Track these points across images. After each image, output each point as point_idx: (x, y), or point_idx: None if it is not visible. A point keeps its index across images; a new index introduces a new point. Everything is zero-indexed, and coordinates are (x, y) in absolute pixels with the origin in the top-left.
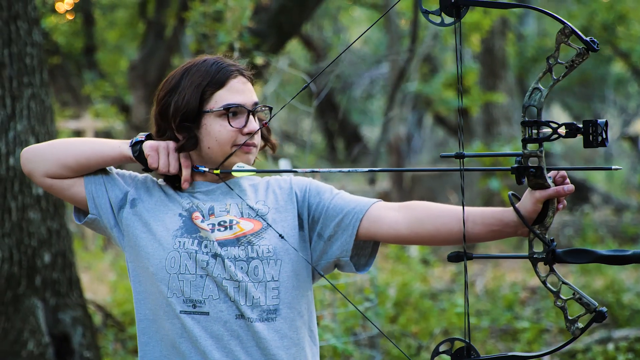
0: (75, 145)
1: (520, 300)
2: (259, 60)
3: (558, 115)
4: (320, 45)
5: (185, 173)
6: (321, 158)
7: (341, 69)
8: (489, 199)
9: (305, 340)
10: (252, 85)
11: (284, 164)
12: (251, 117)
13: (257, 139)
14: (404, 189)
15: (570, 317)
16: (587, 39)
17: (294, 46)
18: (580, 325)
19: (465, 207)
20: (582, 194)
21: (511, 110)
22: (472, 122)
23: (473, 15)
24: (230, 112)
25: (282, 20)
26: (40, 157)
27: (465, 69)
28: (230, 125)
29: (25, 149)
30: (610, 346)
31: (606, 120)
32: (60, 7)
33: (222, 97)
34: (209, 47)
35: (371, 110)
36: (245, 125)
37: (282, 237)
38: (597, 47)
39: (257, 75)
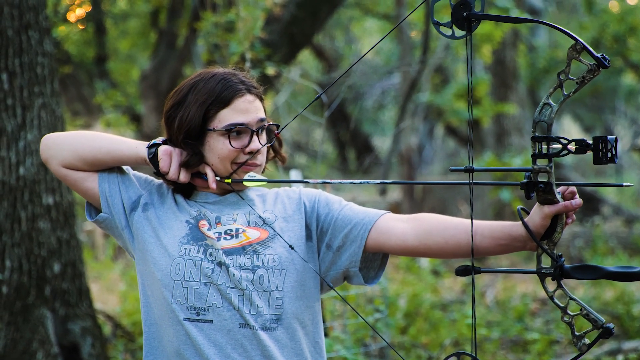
0: (94, 140)
1: (531, 312)
2: (271, 70)
3: (569, 126)
4: (332, 56)
5: (211, 174)
6: (332, 168)
7: (353, 79)
8: (500, 210)
9: (308, 352)
10: (262, 101)
11: (294, 174)
12: (254, 136)
13: (261, 159)
14: (415, 199)
15: (577, 333)
16: (599, 55)
17: (305, 56)
18: (588, 341)
19: (474, 220)
20: (592, 205)
21: (522, 121)
22: (483, 133)
23: (484, 27)
24: (233, 132)
25: (294, 31)
26: (59, 146)
27: (477, 80)
28: (232, 145)
29: (46, 136)
30: (620, 358)
31: (616, 137)
32: (72, 16)
33: (225, 117)
34: (220, 57)
35: (382, 121)
36: (247, 145)
37: (292, 248)
38: (608, 63)
39: (268, 85)
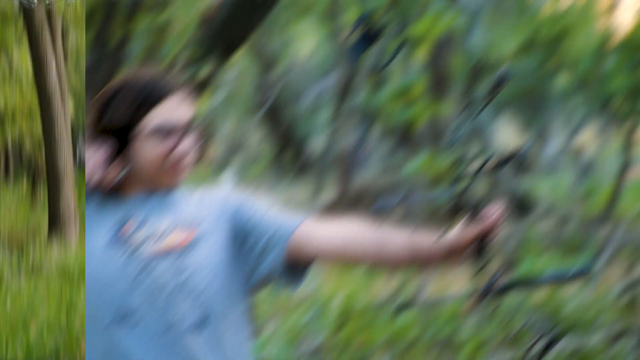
0: None
1: (464, 311)
2: (205, 71)
3: (505, 125)
4: (269, 56)
5: (112, 176)
6: (267, 169)
7: (289, 79)
8: (433, 212)
9: (235, 353)
10: (193, 101)
11: (227, 175)
12: (183, 138)
13: (189, 160)
14: (350, 200)
15: (528, 344)
16: (499, 72)
17: (241, 57)
18: (538, 349)
19: (394, 234)
20: (526, 204)
21: (457, 122)
22: (417, 134)
23: (421, 26)
24: (161, 132)
25: (230, 32)
26: None
27: (411, 81)
28: (159, 146)
29: None
30: (549, 358)
31: (527, 147)
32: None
33: (153, 117)
34: (154, 58)
35: (318, 122)
36: (175, 147)
37: (215, 251)
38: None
39: (202, 86)
